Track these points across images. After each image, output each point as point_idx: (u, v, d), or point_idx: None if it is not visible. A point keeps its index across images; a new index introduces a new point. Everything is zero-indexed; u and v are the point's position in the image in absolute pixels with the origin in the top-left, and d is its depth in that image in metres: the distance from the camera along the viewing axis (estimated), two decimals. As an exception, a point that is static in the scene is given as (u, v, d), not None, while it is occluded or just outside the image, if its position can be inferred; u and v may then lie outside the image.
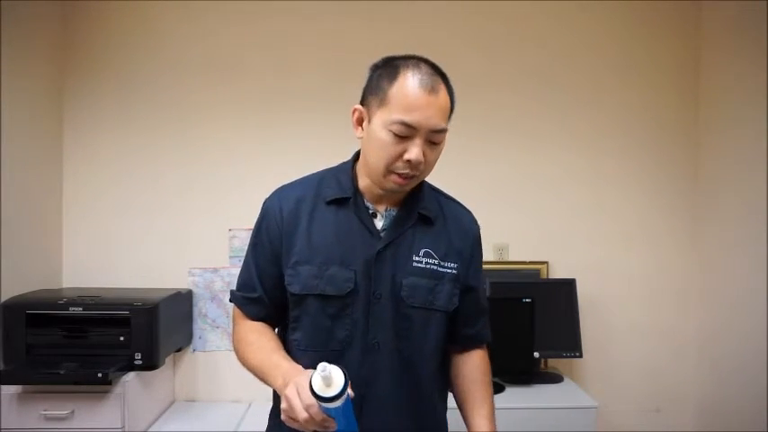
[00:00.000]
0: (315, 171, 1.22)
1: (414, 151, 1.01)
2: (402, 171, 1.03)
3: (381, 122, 1.02)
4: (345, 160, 1.19)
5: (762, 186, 2.00)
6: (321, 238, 1.10)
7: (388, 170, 1.04)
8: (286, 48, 2.33)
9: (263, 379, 1.07)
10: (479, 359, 1.21)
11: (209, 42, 2.32)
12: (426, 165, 1.05)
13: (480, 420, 1.14)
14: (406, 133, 1.01)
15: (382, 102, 1.03)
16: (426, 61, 1.06)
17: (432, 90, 1.01)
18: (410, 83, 1.01)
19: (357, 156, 1.17)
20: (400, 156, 1.02)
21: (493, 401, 1.17)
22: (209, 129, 2.33)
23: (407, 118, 1.00)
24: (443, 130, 1.04)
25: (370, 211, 1.13)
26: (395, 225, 1.12)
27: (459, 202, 1.24)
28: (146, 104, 2.32)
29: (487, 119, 2.36)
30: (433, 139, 1.03)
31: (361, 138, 1.10)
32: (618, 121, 2.39)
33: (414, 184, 1.09)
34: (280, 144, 2.34)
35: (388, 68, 1.05)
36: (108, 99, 2.31)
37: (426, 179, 1.20)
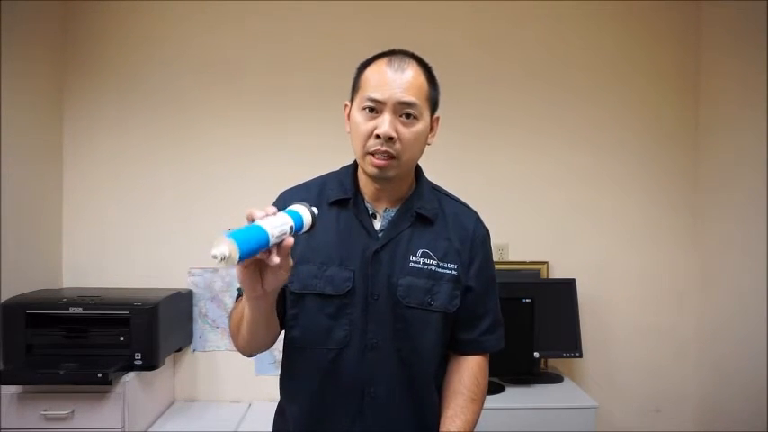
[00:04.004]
0: (314, 171, 1.23)
1: (383, 125, 1.04)
2: (374, 148, 1.05)
3: (356, 106, 1.09)
4: (348, 163, 1.20)
5: (762, 186, 1.99)
6: (322, 239, 1.11)
7: (365, 152, 1.07)
8: (286, 48, 2.33)
9: (253, 318, 1.00)
10: (470, 370, 1.16)
11: (209, 42, 2.32)
12: (403, 144, 1.06)
13: None
14: (374, 107, 1.05)
15: (357, 88, 1.11)
16: (406, 52, 1.11)
17: (398, 68, 1.06)
18: (378, 65, 1.08)
19: None
20: (372, 133, 1.05)
21: (471, 416, 1.12)
22: (210, 128, 2.33)
23: (373, 93, 1.05)
24: (411, 104, 1.05)
25: (370, 212, 1.14)
26: (392, 225, 1.13)
27: (462, 202, 1.23)
28: (146, 104, 2.32)
29: (487, 119, 2.37)
30: (403, 111, 1.05)
31: (349, 132, 1.13)
32: (618, 121, 2.39)
33: (394, 168, 1.07)
34: (279, 143, 2.34)
35: (366, 62, 1.12)
36: (108, 99, 2.31)
37: (429, 178, 1.22)
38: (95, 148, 2.32)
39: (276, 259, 0.84)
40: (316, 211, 0.94)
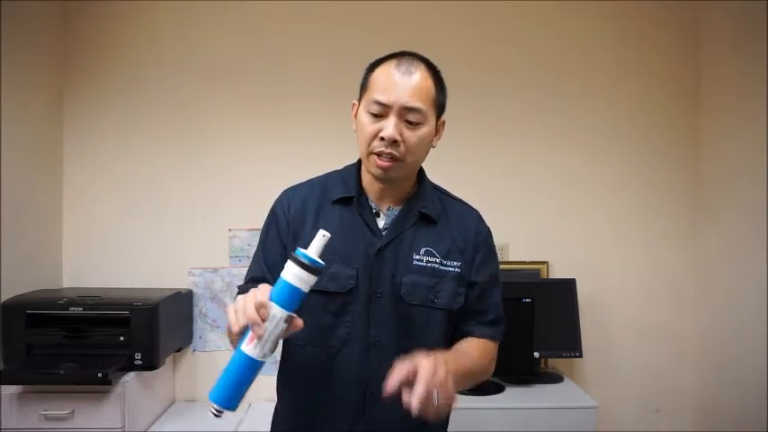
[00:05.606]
0: (314, 171, 1.24)
1: (387, 128, 1.05)
2: (378, 149, 1.06)
3: (363, 107, 1.10)
4: (351, 162, 1.21)
5: (762, 186, 1.99)
6: None
7: (369, 152, 1.08)
8: (286, 51, 2.33)
9: None
10: (476, 341, 1.16)
11: (210, 45, 2.32)
12: (407, 147, 1.07)
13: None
14: (380, 111, 1.06)
15: (364, 89, 1.12)
16: (414, 54, 1.11)
17: (405, 72, 1.07)
18: (386, 67, 1.09)
19: None
20: (377, 134, 1.06)
21: (470, 366, 1.09)
22: (210, 129, 2.33)
23: (380, 96, 1.06)
24: (417, 110, 1.06)
25: (374, 210, 1.15)
26: (396, 224, 1.14)
27: (463, 201, 1.25)
28: (146, 105, 2.32)
29: (488, 119, 2.37)
30: (409, 117, 1.06)
31: (356, 131, 1.14)
32: (618, 121, 2.39)
33: (398, 170, 1.09)
34: (279, 145, 2.34)
35: (375, 62, 1.12)
36: (108, 100, 2.31)
37: (429, 178, 1.22)
38: (96, 148, 2.31)
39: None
40: (327, 235, 0.90)
